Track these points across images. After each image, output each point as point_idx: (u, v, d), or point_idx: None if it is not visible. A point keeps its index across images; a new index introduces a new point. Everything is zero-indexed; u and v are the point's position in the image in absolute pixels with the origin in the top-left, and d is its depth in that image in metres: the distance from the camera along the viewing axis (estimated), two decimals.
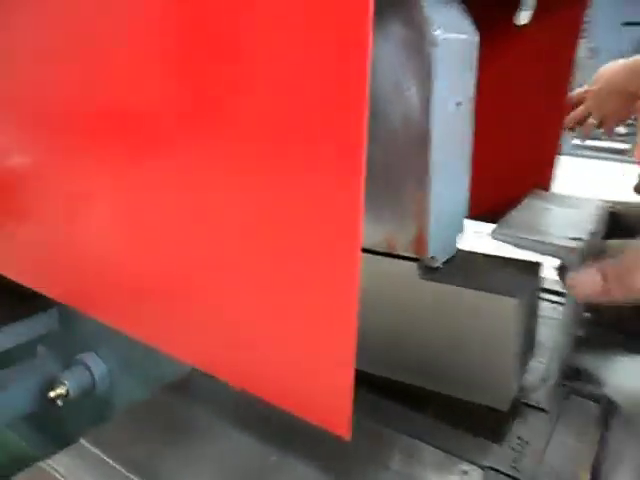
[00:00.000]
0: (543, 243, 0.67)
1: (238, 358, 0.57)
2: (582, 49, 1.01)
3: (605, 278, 0.64)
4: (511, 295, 0.67)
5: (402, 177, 0.70)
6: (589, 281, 0.65)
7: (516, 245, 0.70)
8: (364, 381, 0.84)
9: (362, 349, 0.80)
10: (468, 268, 0.77)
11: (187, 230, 0.58)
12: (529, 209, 0.81)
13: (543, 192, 0.92)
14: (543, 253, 0.68)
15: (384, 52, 0.65)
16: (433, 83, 0.64)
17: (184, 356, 0.68)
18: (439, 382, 0.75)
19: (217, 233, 0.54)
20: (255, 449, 0.71)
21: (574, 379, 0.87)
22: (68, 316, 1.25)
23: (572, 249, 0.65)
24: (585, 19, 0.99)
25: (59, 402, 1.16)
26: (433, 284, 0.72)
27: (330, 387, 0.48)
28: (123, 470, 0.66)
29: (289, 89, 0.43)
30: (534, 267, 0.76)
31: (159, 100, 0.56)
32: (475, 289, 0.69)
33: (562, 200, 0.87)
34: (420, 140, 0.67)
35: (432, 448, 0.73)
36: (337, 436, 0.49)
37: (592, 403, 0.82)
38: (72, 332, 1.26)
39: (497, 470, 0.68)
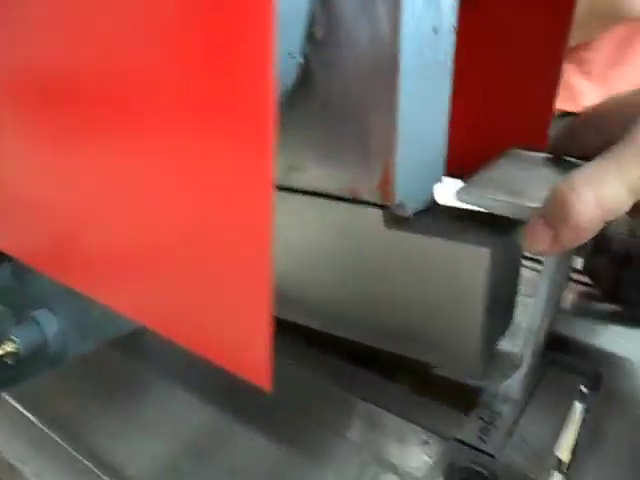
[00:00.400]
0: (515, 205, 0.57)
1: (162, 305, 0.50)
2: None
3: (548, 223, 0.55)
4: (482, 245, 0.59)
5: (366, 111, 0.61)
6: (537, 232, 0.56)
7: (484, 207, 0.60)
8: (330, 345, 0.78)
9: (325, 307, 0.74)
10: (442, 220, 0.69)
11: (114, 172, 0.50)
12: (504, 168, 0.72)
13: (524, 151, 0.81)
14: (515, 216, 0.58)
15: None
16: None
17: (117, 306, 0.61)
18: (404, 344, 0.68)
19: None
20: (200, 412, 0.65)
21: (558, 349, 0.80)
22: (22, 271, 1.18)
23: None
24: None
25: (9, 361, 1.10)
26: (399, 233, 0.64)
27: (248, 334, 0.41)
28: (44, 428, 0.60)
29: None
30: (517, 226, 0.67)
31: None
32: (443, 238, 0.61)
33: (543, 160, 0.78)
34: (388, 66, 0.58)
35: (395, 417, 0.66)
36: (260, 387, 0.42)
37: (575, 375, 0.75)
38: (26, 288, 1.19)
39: (461, 441, 0.61)
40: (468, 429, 0.63)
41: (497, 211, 0.59)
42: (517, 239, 0.68)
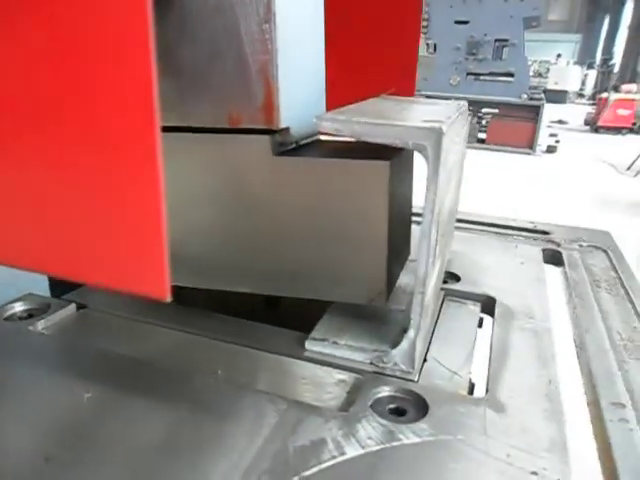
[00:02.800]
0: (389, 125, 0.52)
1: (61, 247, 0.39)
2: (423, 46, 1.00)
3: None
4: (381, 160, 0.56)
5: (242, 24, 0.56)
6: None
7: (348, 133, 0.53)
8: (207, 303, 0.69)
9: (216, 262, 0.65)
10: (329, 148, 0.65)
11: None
12: (370, 104, 0.70)
13: (392, 96, 0.81)
14: (390, 140, 0.52)
15: None
16: None
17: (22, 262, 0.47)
18: (303, 286, 0.62)
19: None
20: (63, 388, 0.53)
21: (451, 281, 0.80)
22: None
23: (428, 130, 0.50)
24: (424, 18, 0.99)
25: None
26: (288, 159, 0.59)
27: (146, 254, 0.34)
28: None
29: None
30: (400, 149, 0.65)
31: None
32: (340, 158, 0.57)
33: (408, 101, 0.78)
34: None
35: (301, 361, 0.60)
36: (158, 300, 0.34)
37: (471, 302, 0.75)
38: None
39: (378, 372, 0.57)
40: (383, 360, 0.59)
41: (365, 137, 0.53)
42: (406, 159, 0.67)
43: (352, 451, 0.45)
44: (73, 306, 0.69)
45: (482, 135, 9.67)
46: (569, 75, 15.36)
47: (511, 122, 9.08)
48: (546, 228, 1.07)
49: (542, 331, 0.67)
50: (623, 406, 0.53)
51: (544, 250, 0.97)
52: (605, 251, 0.98)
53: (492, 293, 0.77)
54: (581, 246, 0.99)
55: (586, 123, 11.63)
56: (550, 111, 10.36)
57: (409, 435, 0.48)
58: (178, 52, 0.58)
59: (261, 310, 0.77)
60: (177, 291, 0.75)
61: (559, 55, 16.34)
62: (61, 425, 0.48)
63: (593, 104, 13.27)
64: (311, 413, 0.50)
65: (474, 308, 0.74)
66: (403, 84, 0.97)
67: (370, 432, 0.48)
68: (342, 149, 0.63)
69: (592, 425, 0.52)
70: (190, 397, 0.53)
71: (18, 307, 0.67)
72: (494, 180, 6.22)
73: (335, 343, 0.61)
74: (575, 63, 16.91)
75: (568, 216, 4.48)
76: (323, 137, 0.72)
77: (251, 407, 0.51)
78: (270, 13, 0.55)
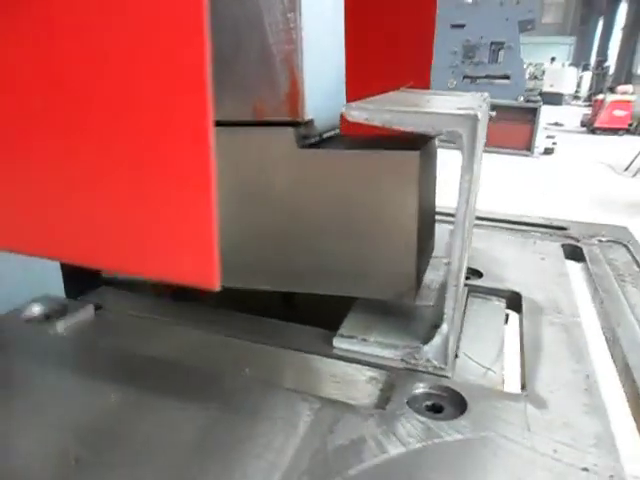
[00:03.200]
0: (421, 112, 0.51)
1: (111, 244, 0.38)
2: None
3: None
4: (411, 150, 0.54)
5: (266, 15, 0.54)
6: None
7: (379, 120, 0.52)
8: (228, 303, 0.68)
9: (244, 260, 0.63)
10: (353, 142, 0.63)
11: None
12: (394, 95, 0.69)
13: (411, 89, 0.79)
14: (423, 127, 0.51)
15: None
16: None
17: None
18: (330, 282, 0.61)
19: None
20: (89, 390, 0.51)
21: (473, 277, 0.79)
22: None
23: (464, 116, 0.49)
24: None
25: None
26: (317, 152, 0.58)
27: (196, 245, 0.32)
28: None
29: None
30: (424, 137, 0.63)
31: None
32: (368, 150, 0.56)
33: (427, 93, 0.77)
34: None
35: (329, 359, 0.59)
36: (207, 289, 0.33)
37: (497, 298, 0.74)
38: None
39: (411, 369, 0.55)
40: (415, 357, 0.57)
41: (398, 125, 0.52)
42: (432, 149, 0.65)
43: (394, 449, 0.44)
44: (91, 307, 0.67)
45: None
46: (564, 77, 15.41)
47: (509, 124, 9.09)
48: (563, 224, 1.06)
49: (572, 325, 0.66)
50: None
51: (563, 245, 0.96)
52: (625, 245, 0.96)
53: (516, 289, 0.75)
54: (600, 241, 0.98)
55: (582, 125, 11.67)
56: (546, 113, 10.39)
57: (450, 432, 0.46)
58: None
59: (278, 308, 0.76)
60: (192, 290, 0.74)
61: (553, 58, 16.43)
62: (89, 426, 0.46)
63: (589, 106, 13.32)
64: (347, 412, 0.48)
65: (499, 304, 0.73)
66: (419, 79, 0.96)
67: (410, 430, 0.46)
68: (367, 142, 0.62)
69: (634, 417, 0.51)
70: (219, 396, 0.51)
71: (36, 309, 0.66)
72: (493, 182, 6.22)
73: (364, 340, 0.59)
74: (570, 65, 16.99)
75: (568, 217, 4.47)
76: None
77: (283, 406, 0.49)
78: (295, 2, 0.54)
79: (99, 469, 0.42)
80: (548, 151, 9.19)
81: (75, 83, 0.33)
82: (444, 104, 0.57)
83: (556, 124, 11.88)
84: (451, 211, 0.53)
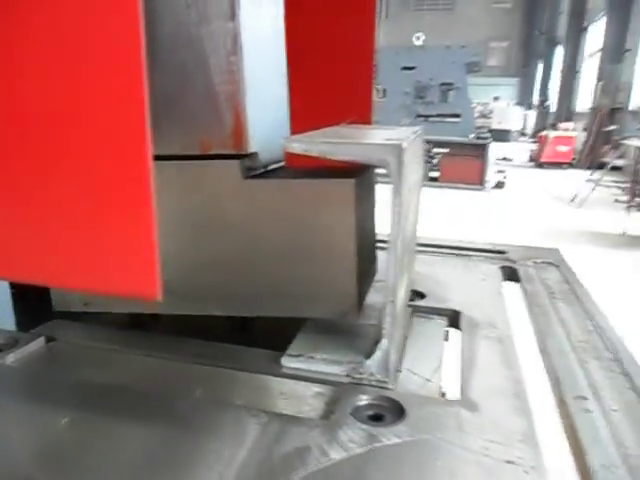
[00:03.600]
0: (353, 144, 0.57)
1: (49, 257, 0.40)
2: (373, 91, 1.09)
3: None
4: (347, 178, 0.59)
5: (210, 57, 0.59)
6: None
7: (315, 151, 0.56)
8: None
9: (188, 288, 0.66)
10: (295, 172, 0.68)
11: None
12: (332, 129, 0.74)
13: (351, 124, 0.85)
14: (355, 157, 0.56)
15: None
16: None
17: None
18: (275, 305, 0.64)
19: None
20: (39, 416, 0.52)
21: (417, 299, 0.83)
22: None
23: (390, 146, 0.54)
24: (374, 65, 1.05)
25: None
26: (257, 182, 0.62)
27: (138, 258, 0.35)
28: None
29: None
30: (362, 168, 0.68)
31: None
32: (307, 179, 0.60)
33: (366, 127, 0.83)
34: (228, 6, 0.57)
35: (276, 378, 0.61)
36: (148, 298, 0.35)
37: (438, 316, 0.78)
38: None
39: (356, 383, 0.58)
40: (359, 371, 0.60)
41: (332, 155, 0.56)
42: (370, 179, 0.70)
43: (336, 454, 0.46)
44: (42, 339, 0.68)
45: (434, 174, 10.04)
46: (511, 115, 16.28)
47: (461, 160, 9.46)
48: (502, 248, 1.13)
49: (505, 338, 0.71)
50: (585, 399, 0.57)
51: (502, 267, 1.02)
52: (557, 266, 1.04)
53: (457, 308, 0.80)
54: (535, 262, 1.05)
55: (530, 159, 12.28)
56: (496, 149, 10.89)
57: (390, 437, 0.49)
58: (150, 82, 0.61)
59: (233, 334, 0.78)
60: (145, 319, 0.75)
61: (496, 97, 17.39)
62: (40, 449, 0.47)
63: (535, 142, 14.04)
64: (292, 424, 0.51)
65: (441, 322, 0.77)
66: (361, 115, 1.02)
67: (352, 436, 0.49)
68: (308, 172, 0.67)
69: (560, 417, 0.55)
70: (170, 417, 0.53)
71: None
72: (447, 215, 6.42)
73: (311, 358, 0.62)
74: (516, 104, 17.98)
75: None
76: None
77: (232, 421, 0.51)
78: (237, 46, 0.59)
79: None
80: (499, 185, 9.57)
81: (21, 113, 0.37)
82: (376, 136, 0.63)
83: (505, 159, 12.44)
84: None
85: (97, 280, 0.38)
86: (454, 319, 0.78)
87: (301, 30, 0.80)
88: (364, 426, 0.50)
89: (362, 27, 1.05)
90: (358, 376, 0.60)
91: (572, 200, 8.02)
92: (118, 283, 0.38)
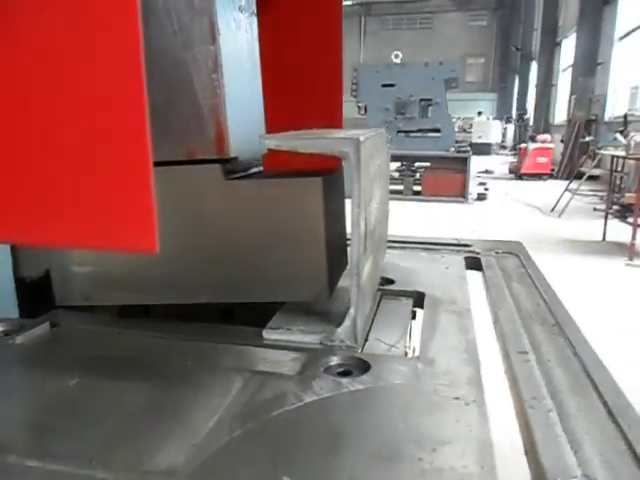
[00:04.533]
0: (319, 138, 0.67)
1: (50, 217, 0.48)
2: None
3: None
4: (316, 176, 0.69)
5: (194, 75, 0.69)
6: None
7: (287, 146, 0.66)
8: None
9: (176, 280, 0.74)
10: (271, 174, 0.77)
11: None
12: (307, 131, 0.84)
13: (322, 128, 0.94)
14: (320, 149, 0.65)
15: None
16: None
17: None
18: (255, 291, 0.73)
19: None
20: (51, 379, 0.59)
21: (386, 284, 0.92)
22: None
23: (349, 139, 0.64)
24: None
25: None
26: (238, 182, 0.71)
27: (135, 211, 0.43)
28: None
29: None
30: (330, 170, 0.78)
31: None
32: (282, 178, 0.70)
33: (345, 129, 0.93)
34: (209, 32, 0.67)
35: (256, 348, 0.69)
36: (146, 252, 0.43)
37: (404, 298, 0.87)
38: None
39: (328, 346, 0.66)
40: (331, 339, 0.68)
41: (301, 148, 0.66)
42: (337, 181, 0.80)
43: (308, 398, 0.54)
44: (47, 324, 0.75)
45: (418, 188, 10.20)
46: (491, 129, 16.66)
47: (443, 174, 9.63)
48: (467, 242, 1.22)
49: (463, 311, 0.79)
50: (527, 353, 0.66)
51: (466, 258, 1.11)
52: (517, 255, 1.13)
53: (421, 289, 0.89)
54: (497, 253, 1.15)
55: (510, 171, 12.54)
56: (477, 162, 11.11)
57: (355, 385, 0.57)
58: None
59: (216, 320, 0.85)
60: (135, 309, 0.83)
61: (480, 112, 17.80)
62: (55, 403, 0.54)
63: (515, 154, 14.36)
64: (272, 378, 0.59)
65: (407, 301, 0.86)
66: (333, 121, 1.11)
67: (322, 385, 0.57)
68: (282, 174, 0.76)
69: (504, 366, 0.64)
70: (164, 378, 0.60)
71: None
72: (430, 227, 6.55)
73: (289, 329, 0.70)
74: (495, 118, 18.40)
75: None
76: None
77: (220, 379, 0.59)
78: (217, 65, 0.68)
79: (66, 429, 0.50)
80: (481, 197, 9.75)
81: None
82: (340, 134, 0.72)
83: (487, 172, 12.68)
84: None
85: (97, 237, 0.46)
86: (419, 299, 0.87)
87: (274, 48, 0.90)
88: (334, 378, 0.59)
89: (329, 40, 1.14)
90: (330, 343, 0.68)
91: (552, 210, 8.21)
92: (117, 238, 0.45)
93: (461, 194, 9.44)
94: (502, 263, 1.07)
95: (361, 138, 0.63)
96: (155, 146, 0.73)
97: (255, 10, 0.80)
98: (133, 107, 0.43)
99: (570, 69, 13.65)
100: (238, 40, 0.75)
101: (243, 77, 0.77)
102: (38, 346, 0.70)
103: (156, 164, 0.71)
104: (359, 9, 20.32)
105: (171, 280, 0.74)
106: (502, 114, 20.83)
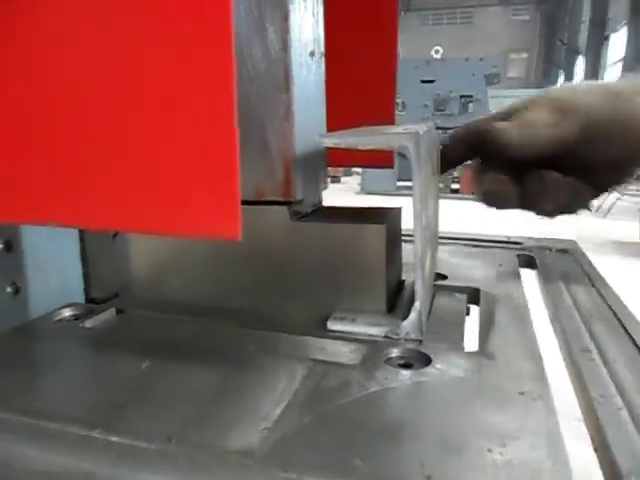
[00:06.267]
0: (377, 134, 0.68)
1: (133, 204, 0.51)
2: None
3: (554, 110, 0.69)
4: (379, 224, 0.70)
5: (267, 122, 0.72)
6: (537, 117, 0.69)
7: (345, 144, 0.68)
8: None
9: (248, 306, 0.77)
10: (333, 214, 0.80)
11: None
12: (359, 129, 0.85)
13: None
14: (379, 145, 0.67)
15: None
16: (290, 26, 0.68)
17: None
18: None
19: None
20: (122, 362, 0.62)
21: (439, 280, 0.92)
22: None
23: (408, 134, 0.65)
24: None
25: None
26: (303, 224, 0.74)
27: (219, 198, 0.45)
28: None
29: None
30: (392, 210, 0.82)
31: None
32: (346, 223, 0.73)
33: (398, 125, 0.93)
34: (283, 81, 0.69)
35: (316, 338, 0.70)
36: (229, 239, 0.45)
37: (459, 294, 0.87)
38: None
39: (390, 337, 0.67)
40: (396, 332, 0.69)
41: (359, 145, 0.67)
42: (396, 222, 0.80)
43: (373, 387, 0.55)
44: (113, 310, 0.78)
45: (455, 186, 10.05)
46: None
47: None
48: (518, 239, 1.21)
49: (520, 307, 0.79)
50: (589, 350, 0.65)
51: (518, 255, 1.10)
52: (572, 254, 1.11)
53: (476, 285, 0.88)
54: (550, 251, 1.13)
55: None
56: None
57: (418, 377, 0.58)
58: None
59: None
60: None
61: None
62: (128, 384, 0.57)
63: None
64: (335, 367, 0.60)
65: (461, 297, 0.86)
66: (385, 118, 1.12)
67: (386, 375, 0.58)
68: (341, 214, 0.81)
69: (567, 365, 0.63)
70: (231, 361, 0.62)
71: (65, 312, 0.77)
72: (468, 225, 6.44)
73: (354, 320, 0.71)
74: None
75: None
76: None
77: (284, 365, 0.61)
78: (289, 113, 0.71)
79: (142, 408, 0.52)
80: None
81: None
82: (396, 129, 0.72)
83: None
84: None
85: (177, 223, 0.48)
86: (473, 295, 0.86)
87: (327, 38, 0.90)
88: (396, 369, 0.59)
89: (385, 38, 1.15)
90: (395, 337, 0.68)
91: (596, 210, 7.97)
92: (199, 224, 0.47)
93: None
94: (557, 262, 1.06)
95: (420, 131, 0.63)
96: None
97: (324, 51, 0.81)
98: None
99: (618, 64, 13.15)
100: (308, 85, 0.77)
101: (312, 119, 0.80)
102: (107, 330, 0.73)
103: None
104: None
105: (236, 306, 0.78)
106: None
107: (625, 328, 0.71)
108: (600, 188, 0.83)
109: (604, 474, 0.46)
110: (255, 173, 0.73)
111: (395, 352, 0.65)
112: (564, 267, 1.02)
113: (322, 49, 0.82)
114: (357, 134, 0.67)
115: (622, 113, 0.73)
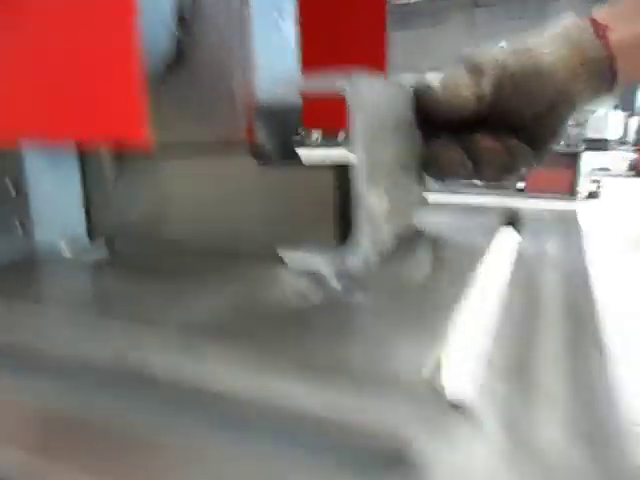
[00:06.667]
0: (318, 78, 0.73)
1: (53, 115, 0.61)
2: None
3: (472, 70, 0.77)
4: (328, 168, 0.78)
5: (234, 71, 0.81)
6: (457, 77, 0.78)
7: (296, 88, 0.78)
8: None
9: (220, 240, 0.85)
10: (294, 162, 0.90)
11: None
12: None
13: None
14: (320, 88, 0.73)
15: None
16: None
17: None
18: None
19: None
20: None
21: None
22: None
23: (345, 77, 0.70)
24: None
25: None
26: (266, 168, 0.81)
27: (126, 104, 0.53)
28: None
29: None
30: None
31: None
32: (302, 167, 0.82)
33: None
34: (242, 32, 0.78)
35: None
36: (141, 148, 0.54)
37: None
38: None
39: None
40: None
41: (302, 88, 0.76)
42: (348, 169, 0.86)
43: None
44: (105, 248, 0.89)
45: (520, 184, 9.71)
46: (609, 123, 15.27)
47: (549, 170, 9.05)
48: (514, 207, 1.21)
49: (475, 252, 0.82)
50: None
51: (506, 218, 1.11)
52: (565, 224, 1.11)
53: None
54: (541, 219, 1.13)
55: (631, 168, 11.51)
56: (591, 158, 10.34)
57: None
58: (188, 94, 0.85)
59: None
60: None
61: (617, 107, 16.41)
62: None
63: (637, 150, 13.15)
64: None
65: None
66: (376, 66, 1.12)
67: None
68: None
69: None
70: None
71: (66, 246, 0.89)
72: None
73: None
74: (616, 107, 16.81)
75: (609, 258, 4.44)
76: None
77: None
78: (249, 63, 0.80)
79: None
80: (593, 195, 9.10)
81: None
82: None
83: (602, 169, 11.77)
84: None
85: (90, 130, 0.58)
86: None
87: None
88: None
89: None
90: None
91: None
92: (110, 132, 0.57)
93: (569, 191, 8.86)
94: (543, 227, 1.06)
95: (358, 76, 0.69)
96: (195, 129, 0.87)
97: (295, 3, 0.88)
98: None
99: None
100: (274, 36, 0.86)
101: (279, 72, 0.89)
102: (118, 260, 0.86)
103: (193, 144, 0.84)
104: (467, 1, 19.71)
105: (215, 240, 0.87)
106: (626, 105, 19.10)
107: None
108: (536, 147, 0.86)
109: None
110: (223, 119, 0.82)
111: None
112: (546, 233, 1.03)
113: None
114: (307, 79, 0.74)
115: (530, 67, 0.77)
